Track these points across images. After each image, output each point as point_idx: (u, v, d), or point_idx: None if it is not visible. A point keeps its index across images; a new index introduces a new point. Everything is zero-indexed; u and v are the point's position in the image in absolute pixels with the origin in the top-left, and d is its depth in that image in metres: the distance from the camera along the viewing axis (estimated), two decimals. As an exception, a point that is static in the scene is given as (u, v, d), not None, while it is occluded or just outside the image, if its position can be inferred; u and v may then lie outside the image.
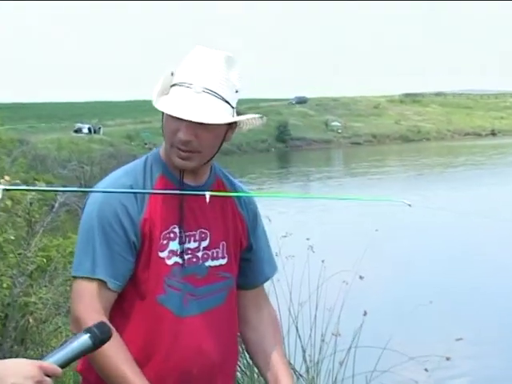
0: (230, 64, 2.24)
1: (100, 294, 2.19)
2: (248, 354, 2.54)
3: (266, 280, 2.53)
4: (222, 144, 2.30)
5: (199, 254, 2.31)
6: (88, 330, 1.73)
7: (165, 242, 2.26)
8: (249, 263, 2.46)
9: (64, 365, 1.69)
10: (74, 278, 2.26)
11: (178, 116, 2.18)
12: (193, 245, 2.30)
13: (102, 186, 2.31)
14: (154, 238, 2.24)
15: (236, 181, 2.49)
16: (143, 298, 2.25)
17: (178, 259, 2.27)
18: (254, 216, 2.46)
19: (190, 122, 2.18)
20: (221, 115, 2.21)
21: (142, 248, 2.25)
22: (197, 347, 2.28)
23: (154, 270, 2.25)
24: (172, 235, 2.26)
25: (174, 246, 2.26)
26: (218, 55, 2.24)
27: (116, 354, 2.16)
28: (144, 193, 2.26)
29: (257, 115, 2.34)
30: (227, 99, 2.23)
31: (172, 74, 2.25)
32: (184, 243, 2.28)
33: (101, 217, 2.22)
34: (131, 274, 2.25)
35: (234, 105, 2.28)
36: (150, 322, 2.25)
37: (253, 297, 2.49)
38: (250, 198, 2.49)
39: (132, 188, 2.25)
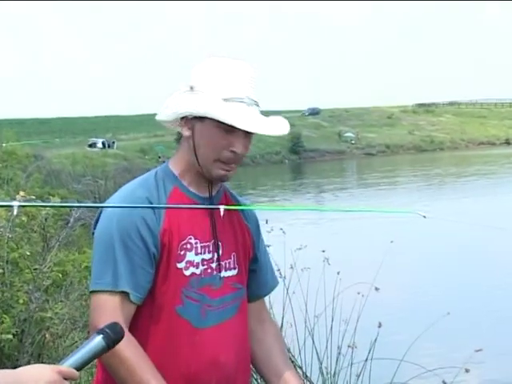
0: (256, 73, 2.30)
1: (122, 307, 2.18)
2: (253, 366, 2.53)
3: (270, 291, 2.56)
4: None
5: (213, 265, 2.32)
6: (101, 331, 1.75)
7: (182, 252, 2.26)
8: (254, 274, 2.48)
9: (80, 367, 1.70)
10: (93, 292, 2.24)
11: (257, 131, 2.21)
12: (207, 256, 2.31)
13: (117, 199, 2.31)
14: (172, 249, 2.25)
15: (237, 195, 2.53)
16: (161, 309, 2.25)
17: (194, 270, 2.27)
18: (257, 228, 2.50)
19: (242, 134, 2.22)
20: (282, 125, 2.28)
21: (161, 259, 2.25)
22: (215, 359, 2.28)
23: (173, 281, 2.25)
24: (189, 246, 2.27)
25: (191, 256, 2.27)
26: (248, 66, 2.29)
27: (139, 363, 2.16)
28: (159, 208, 2.26)
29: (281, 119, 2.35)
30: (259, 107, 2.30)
31: (192, 89, 2.25)
32: (200, 254, 2.29)
33: (120, 229, 2.22)
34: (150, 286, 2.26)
35: None
36: (169, 333, 2.25)
37: (256, 309, 2.50)
38: (251, 210, 2.52)
39: (148, 199, 2.25)
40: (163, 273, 2.24)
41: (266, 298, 2.61)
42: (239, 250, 2.40)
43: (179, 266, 2.25)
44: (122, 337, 1.79)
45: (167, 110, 2.31)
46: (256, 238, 2.48)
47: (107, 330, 1.75)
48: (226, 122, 2.18)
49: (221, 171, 2.26)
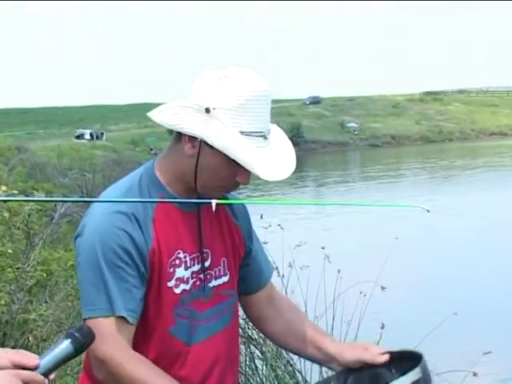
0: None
1: (122, 330, 2.17)
2: (279, 345, 2.61)
3: (268, 279, 2.57)
4: None
5: (202, 276, 2.32)
6: (69, 335, 1.74)
7: (171, 269, 2.26)
8: (248, 268, 2.49)
9: (46, 373, 1.70)
10: (87, 319, 2.22)
11: (279, 179, 2.22)
12: (196, 267, 2.31)
13: (99, 214, 2.24)
14: (162, 268, 2.24)
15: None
16: (154, 330, 2.26)
17: (184, 286, 2.28)
18: (248, 221, 2.50)
19: None
20: (293, 160, 2.34)
21: (152, 279, 2.24)
22: (205, 373, 2.32)
23: (165, 302, 2.25)
24: (177, 261, 2.27)
25: (181, 272, 2.27)
26: (267, 87, 2.24)
27: (154, 378, 2.18)
28: (148, 201, 2.24)
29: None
30: None
31: (207, 111, 2.19)
32: (190, 267, 2.29)
33: (105, 249, 2.18)
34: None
35: None
36: (162, 354, 2.27)
37: (262, 297, 2.53)
38: (242, 204, 2.52)
39: (134, 215, 2.21)
40: (154, 293, 2.24)
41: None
42: (229, 253, 2.40)
43: (169, 284, 2.25)
44: (92, 340, 1.78)
45: (170, 118, 2.23)
46: (247, 233, 2.48)
47: (75, 334, 1.74)
48: (248, 168, 2.17)
49: (218, 194, 2.29)
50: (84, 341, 1.75)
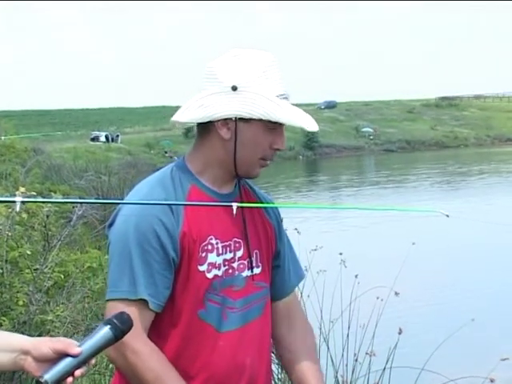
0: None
1: (141, 315, 2.19)
2: (284, 370, 2.59)
3: (291, 289, 2.55)
4: None
5: (235, 265, 2.33)
6: (108, 322, 1.77)
7: (203, 254, 2.27)
8: (278, 270, 2.49)
9: (86, 360, 1.73)
10: (109, 300, 2.26)
11: (314, 129, 2.31)
12: (229, 255, 2.32)
13: (132, 197, 2.31)
14: (193, 252, 2.26)
15: (256, 187, 2.54)
16: (182, 314, 2.27)
17: (217, 272, 2.29)
18: (278, 222, 2.51)
19: (282, 131, 2.32)
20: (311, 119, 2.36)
21: (181, 263, 2.26)
22: (237, 363, 2.31)
23: (195, 285, 2.26)
24: (210, 247, 2.29)
25: (213, 258, 2.29)
26: (275, 57, 2.34)
27: (165, 373, 2.20)
28: (172, 204, 2.26)
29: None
30: None
31: (234, 88, 2.25)
32: (222, 254, 2.31)
33: (138, 234, 2.22)
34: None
35: None
36: (191, 339, 2.28)
37: (284, 309, 2.51)
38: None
39: (166, 200, 2.26)
40: (184, 277, 2.26)
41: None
42: (262, 247, 2.42)
43: (201, 268, 2.27)
44: (131, 327, 1.81)
45: (197, 112, 2.28)
46: (278, 231, 2.49)
47: (115, 321, 1.77)
48: (294, 124, 2.28)
49: (259, 169, 2.34)
50: (123, 327, 1.78)
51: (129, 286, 2.21)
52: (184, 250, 2.25)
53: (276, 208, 2.53)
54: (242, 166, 2.31)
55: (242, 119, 2.25)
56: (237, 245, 2.34)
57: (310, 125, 2.29)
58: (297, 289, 2.68)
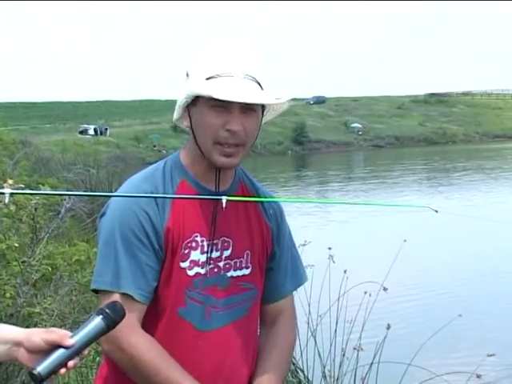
0: (253, 48, 2.30)
1: (132, 308, 2.16)
2: None
3: (288, 293, 2.46)
4: (257, 135, 2.32)
5: (221, 264, 2.30)
6: (100, 312, 1.77)
7: (186, 251, 2.25)
8: (271, 273, 2.43)
9: (79, 350, 1.73)
10: (98, 292, 2.25)
11: (241, 100, 2.17)
12: (215, 254, 2.29)
13: (122, 192, 2.30)
14: (177, 248, 2.24)
15: (259, 184, 2.48)
16: (163, 311, 2.26)
17: (199, 270, 2.26)
18: (279, 222, 2.44)
19: (237, 112, 2.19)
20: (271, 97, 2.24)
21: (165, 258, 2.24)
22: (218, 363, 2.29)
23: (175, 282, 2.24)
24: (194, 244, 2.26)
25: (196, 255, 2.26)
26: (244, 41, 2.28)
27: (164, 363, 2.19)
28: (160, 197, 2.25)
29: (290, 96, 2.34)
30: (262, 84, 2.26)
31: (187, 75, 2.26)
32: (206, 252, 2.27)
33: (123, 226, 2.22)
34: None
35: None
36: (171, 336, 2.26)
37: (272, 313, 2.44)
38: (275, 202, 2.47)
39: (153, 194, 2.25)
40: (166, 273, 2.24)
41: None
42: (254, 247, 2.36)
43: (183, 265, 2.25)
44: (123, 316, 1.81)
45: (176, 108, 2.31)
46: (276, 232, 2.42)
47: (107, 310, 1.77)
48: (204, 94, 2.17)
49: (222, 157, 2.23)
50: (115, 317, 1.78)
51: (112, 278, 2.20)
52: (168, 245, 2.23)
53: (279, 210, 2.45)
54: (205, 153, 2.26)
55: (192, 104, 2.24)
56: (225, 244, 2.30)
57: (238, 97, 2.16)
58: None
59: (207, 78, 2.21)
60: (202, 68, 2.24)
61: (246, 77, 2.21)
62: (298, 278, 2.50)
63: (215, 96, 2.15)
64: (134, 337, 2.18)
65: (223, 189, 2.32)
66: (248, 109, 2.21)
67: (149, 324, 2.25)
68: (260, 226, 2.38)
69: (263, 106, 2.29)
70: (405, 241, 6.31)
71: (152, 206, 2.23)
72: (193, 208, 2.28)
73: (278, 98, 2.31)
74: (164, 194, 2.26)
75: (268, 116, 2.38)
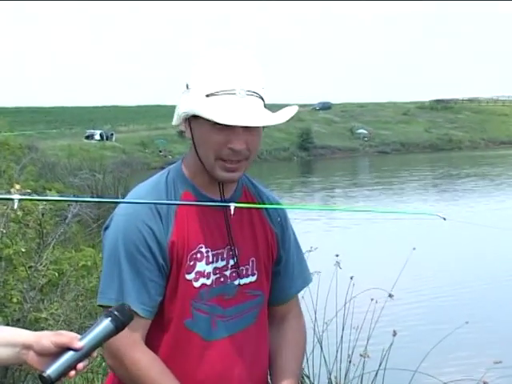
0: (255, 61, 2.26)
1: (136, 324, 2.13)
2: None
3: (291, 297, 2.48)
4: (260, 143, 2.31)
5: (227, 273, 2.30)
6: (108, 314, 1.77)
7: (191, 263, 2.25)
8: (277, 277, 2.43)
9: (88, 353, 1.74)
10: (101, 306, 2.27)
11: (241, 124, 2.15)
12: (220, 263, 2.29)
13: (125, 206, 2.29)
14: (182, 260, 2.24)
15: (264, 189, 2.48)
16: (170, 323, 2.25)
17: (205, 280, 2.26)
18: (284, 226, 2.44)
19: (240, 129, 2.17)
20: (274, 115, 2.22)
21: (170, 272, 2.24)
22: (225, 372, 2.28)
23: (181, 294, 2.24)
24: (199, 255, 2.26)
25: (201, 266, 2.26)
26: (245, 54, 2.25)
27: (162, 374, 2.20)
28: (165, 204, 2.25)
29: (295, 107, 2.31)
30: (263, 97, 2.24)
31: (187, 87, 2.25)
32: (212, 263, 2.27)
33: (126, 242, 2.21)
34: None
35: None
36: (178, 347, 2.26)
37: (280, 314, 2.46)
38: (280, 212, 2.45)
39: (157, 208, 2.24)
40: (172, 285, 2.24)
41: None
42: (260, 254, 2.36)
43: (188, 277, 2.25)
44: (132, 318, 1.81)
45: (175, 114, 2.30)
46: (281, 236, 2.42)
47: (115, 313, 1.78)
48: (205, 117, 2.15)
49: (224, 173, 2.22)
50: (123, 319, 1.78)
51: (117, 294, 2.20)
52: (173, 258, 2.23)
53: (283, 214, 2.45)
54: (206, 167, 2.25)
55: (194, 117, 2.22)
56: (230, 252, 2.30)
57: (240, 121, 2.15)
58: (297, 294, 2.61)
59: (207, 95, 2.19)
60: (203, 83, 2.21)
61: (249, 93, 2.19)
62: (304, 279, 2.52)
63: (217, 120, 2.14)
64: (137, 353, 2.18)
65: (226, 197, 2.32)
66: (251, 127, 2.19)
67: (156, 337, 2.25)
68: (265, 232, 2.38)
69: None
70: (414, 249, 6.28)
71: (156, 221, 2.22)
72: (196, 219, 2.27)
73: (277, 110, 2.29)
74: (167, 207, 2.25)
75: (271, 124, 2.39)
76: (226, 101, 2.17)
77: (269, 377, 2.46)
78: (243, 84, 2.19)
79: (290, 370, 2.39)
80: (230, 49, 2.27)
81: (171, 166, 2.37)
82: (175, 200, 2.28)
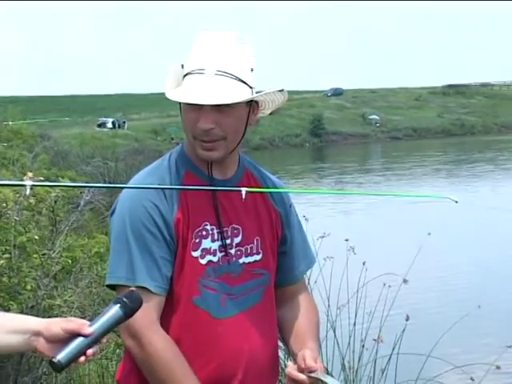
0: (240, 43, 2.27)
1: (150, 302, 2.18)
2: (285, 346, 2.53)
3: (299, 277, 2.52)
4: (246, 128, 2.31)
5: (232, 251, 2.32)
6: (117, 300, 1.79)
7: (197, 240, 2.27)
8: (284, 257, 2.45)
9: (98, 339, 1.75)
10: (110, 287, 2.28)
11: (189, 102, 2.20)
12: (226, 241, 2.31)
13: (129, 189, 2.31)
14: (187, 237, 2.25)
15: (266, 172, 2.50)
16: (178, 301, 2.27)
17: (211, 257, 2.28)
18: (285, 208, 2.46)
19: (208, 108, 2.20)
20: (236, 94, 2.22)
21: (177, 249, 2.26)
22: (238, 349, 2.29)
23: (188, 271, 2.26)
24: (204, 233, 2.28)
25: (207, 243, 2.28)
26: (226, 35, 2.26)
27: (179, 368, 2.21)
28: (176, 188, 2.28)
29: (276, 88, 2.32)
30: (243, 79, 2.25)
31: (182, 67, 2.28)
32: (217, 240, 2.29)
33: (133, 220, 2.23)
34: None
35: (253, 84, 2.29)
36: (188, 325, 2.27)
37: (289, 293, 2.48)
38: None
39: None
40: (179, 263, 2.25)
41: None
42: (264, 233, 2.38)
43: (194, 254, 2.26)
44: (141, 304, 1.82)
45: None
46: (285, 216, 2.44)
47: (124, 299, 1.79)
48: (168, 97, 2.22)
49: (203, 151, 2.26)
50: (132, 305, 1.80)
51: (126, 272, 2.21)
52: (179, 235, 2.25)
53: (286, 194, 2.48)
54: (191, 146, 2.31)
55: None
56: (235, 231, 2.32)
57: (202, 99, 2.19)
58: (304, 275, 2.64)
59: (184, 75, 2.24)
60: (186, 63, 2.27)
61: (218, 73, 2.21)
62: (309, 260, 2.55)
63: (169, 97, 2.22)
64: (154, 335, 2.20)
65: (227, 176, 2.35)
66: (221, 105, 2.21)
67: (165, 315, 2.26)
68: (268, 211, 2.40)
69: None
70: (429, 234, 6.27)
71: (160, 199, 2.24)
72: (200, 197, 2.29)
73: (261, 92, 2.30)
74: (171, 185, 2.28)
75: (267, 109, 2.40)
76: (194, 80, 2.21)
77: (280, 352, 2.48)
78: (214, 64, 2.21)
79: (310, 333, 2.40)
80: (215, 30, 2.29)
81: (174, 148, 2.40)
82: (178, 179, 2.30)
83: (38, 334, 1.78)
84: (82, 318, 5.67)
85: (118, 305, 1.78)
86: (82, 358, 1.75)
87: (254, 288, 2.35)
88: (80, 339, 1.74)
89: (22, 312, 5.12)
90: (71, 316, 5.51)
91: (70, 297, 5.51)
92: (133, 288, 2.03)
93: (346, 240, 6.13)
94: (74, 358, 1.74)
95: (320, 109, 76.93)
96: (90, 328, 1.74)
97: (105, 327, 1.76)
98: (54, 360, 1.73)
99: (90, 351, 1.75)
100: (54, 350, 1.75)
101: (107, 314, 1.77)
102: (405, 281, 5.75)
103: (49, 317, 5.47)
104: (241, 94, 2.22)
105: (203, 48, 2.24)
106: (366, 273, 5.94)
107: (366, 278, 5.93)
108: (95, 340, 1.75)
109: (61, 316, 5.44)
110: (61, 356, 1.73)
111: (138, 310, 1.82)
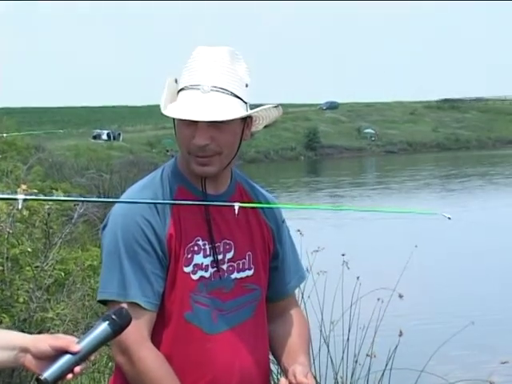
0: (234, 58, 2.27)
1: (139, 318, 2.16)
2: (276, 361, 2.50)
3: (291, 291, 2.52)
4: (240, 143, 2.31)
5: (224, 267, 2.31)
6: (106, 318, 1.77)
7: (189, 255, 2.26)
8: (275, 272, 2.45)
9: (86, 356, 1.74)
10: (102, 302, 2.27)
11: (186, 118, 2.20)
12: (218, 257, 2.30)
13: (121, 204, 2.31)
14: (179, 253, 2.25)
15: (258, 186, 2.50)
16: (170, 316, 2.26)
17: (203, 273, 2.27)
18: (276, 223, 2.45)
19: (204, 124, 2.20)
20: (232, 111, 2.22)
21: (169, 265, 2.25)
22: (229, 364, 2.29)
23: (180, 287, 2.25)
24: (196, 248, 2.27)
25: (199, 259, 2.27)
26: (220, 51, 2.26)
27: (170, 383, 2.20)
28: (169, 203, 2.27)
29: (270, 105, 2.33)
30: (238, 95, 2.25)
31: (176, 81, 2.28)
32: (209, 256, 2.28)
33: (125, 236, 2.22)
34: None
35: (246, 99, 2.29)
36: (179, 341, 2.26)
37: (280, 308, 2.48)
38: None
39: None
40: (171, 278, 2.25)
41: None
42: (256, 248, 2.38)
43: (186, 270, 2.25)
44: (130, 321, 1.81)
45: None
46: (276, 232, 2.44)
47: (113, 316, 1.78)
48: (163, 112, 2.22)
49: (197, 166, 2.26)
50: (121, 322, 1.79)
51: (118, 288, 2.20)
52: (171, 251, 2.24)
53: (278, 209, 2.48)
54: (185, 161, 2.30)
55: None
56: (227, 246, 2.31)
57: (196, 115, 2.19)
58: (297, 290, 2.65)
59: (179, 91, 2.25)
60: (180, 79, 2.27)
61: (214, 89, 2.21)
62: (300, 275, 2.55)
63: (164, 113, 2.21)
64: (144, 351, 2.19)
65: (220, 191, 2.34)
66: (216, 121, 2.21)
67: (157, 330, 2.25)
68: (260, 226, 2.40)
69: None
70: (416, 246, 6.28)
71: (153, 214, 2.24)
72: (193, 212, 2.29)
73: (257, 107, 2.31)
74: (163, 200, 2.28)
75: (261, 124, 2.40)
76: (189, 96, 2.22)
77: (271, 365, 2.47)
78: (209, 80, 2.22)
79: (301, 348, 2.40)
80: (210, 46, 2.29)
81: (166, 163, 2.39)
82: (170, 195, 2.29)
83: (25, 350, 1.78)
84: (74, 330, 5.66)
85: (107, 322, 1.77)
86: (70, 376, 1.74)
87: (245, 303, 2.34)
88: (68, 356, 1.73)
89: (14, 325, 5.11)
90: (64, 329, 5.50)
91: (62, 310, 5.50)
92: (122, 305, 2.03)
93: (343, 255, 6.12)
94: (61, 376, 1.73)
95: (315, 122, 77.09)
96: (77, 345, 1.73)
97: (93, 344, 1.75)
98: (40, 377, 1.72)
99: (77, 369, 1.74)
100: (41, 367, 1.74)
101: (95, 331, 1.77)
102: (400, 296, 5.75)
103: (41, 330, 5.46)
104: (236, 111, 2.23)
105: (198, 63, 2.25)
106: (359, 287, 5.94)
107: (359, 293, 5.92)
108: (83, 357, 1.74)
109: (53, 329, 5.42)
110: (47, 373, 1.72)
111: (126, 327, 1.81)
